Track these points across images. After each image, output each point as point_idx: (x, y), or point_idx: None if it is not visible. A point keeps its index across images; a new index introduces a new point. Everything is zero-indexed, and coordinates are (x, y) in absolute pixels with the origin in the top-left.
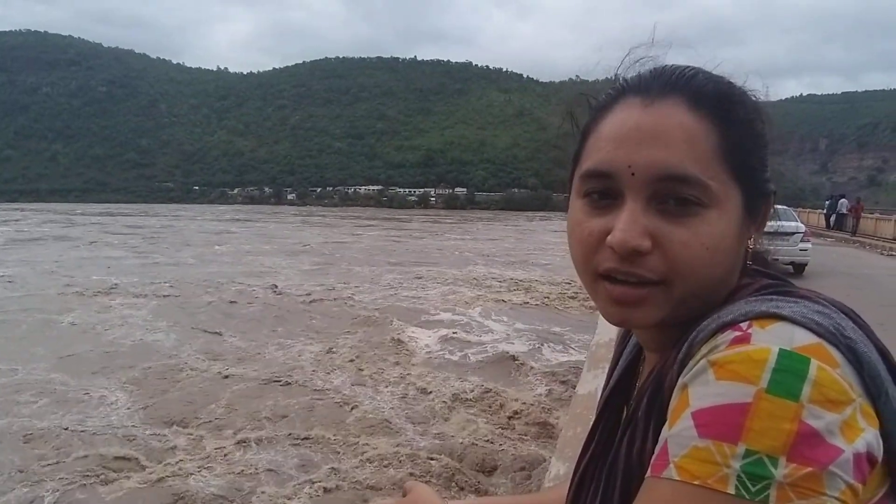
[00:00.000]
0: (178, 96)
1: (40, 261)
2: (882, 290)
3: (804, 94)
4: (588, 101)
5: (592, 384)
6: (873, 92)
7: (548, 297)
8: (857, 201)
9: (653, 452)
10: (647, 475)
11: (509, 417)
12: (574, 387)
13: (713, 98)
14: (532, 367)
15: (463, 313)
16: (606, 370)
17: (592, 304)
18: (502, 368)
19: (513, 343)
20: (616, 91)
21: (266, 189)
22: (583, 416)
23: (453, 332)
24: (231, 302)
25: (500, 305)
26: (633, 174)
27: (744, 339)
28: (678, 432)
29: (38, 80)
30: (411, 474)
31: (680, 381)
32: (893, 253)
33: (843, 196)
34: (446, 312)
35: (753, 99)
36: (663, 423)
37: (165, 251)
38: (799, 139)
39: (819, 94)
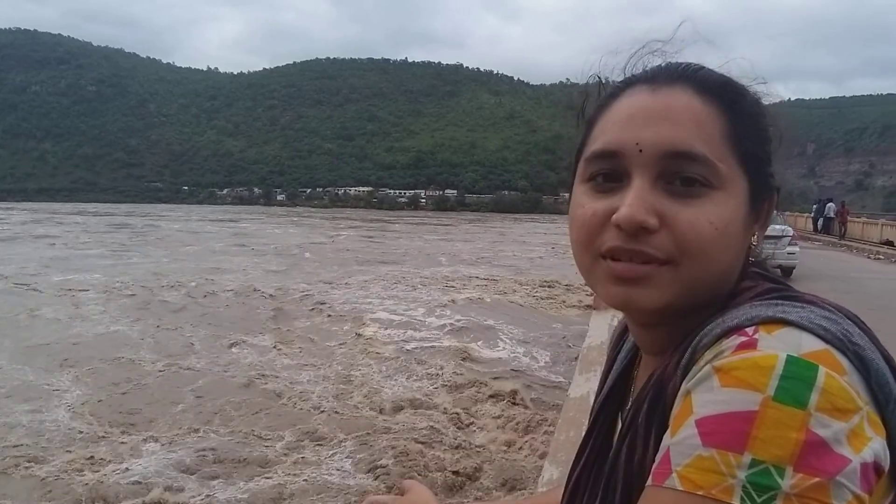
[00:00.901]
0: (167, 96)
1: (13, 258)
2: (870, 293)
3: (792, 98)
4: (599, 87)
5: (584, 387)
6: (860, 97)
7: (506, 294)
8: (842, 205)
9: (654, 461)
10: (647, 484)
11: (457, 410)
12: (529, 380)
13: (720, 87)
14: (475, 360)
15: (414, 311)
16: (598, 373)
17: (545, 302)
18: (447, 361)
19: (456, 337)
20: (623, 83)
21: (255, 189)
22: (575, 419)
23: (404, 330)
24: (189, 300)
25: (452, 303)
26: (640, 151)
27: (750, 345)
28: (681, 440)
29: (26, 79)
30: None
31: (683, 387)
32: (880, 257)
33: (830, 200)
34: (398, 311)
35: (756, 96)
36: (665, 431)
37: (142, 250)
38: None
39: (807, 98)
